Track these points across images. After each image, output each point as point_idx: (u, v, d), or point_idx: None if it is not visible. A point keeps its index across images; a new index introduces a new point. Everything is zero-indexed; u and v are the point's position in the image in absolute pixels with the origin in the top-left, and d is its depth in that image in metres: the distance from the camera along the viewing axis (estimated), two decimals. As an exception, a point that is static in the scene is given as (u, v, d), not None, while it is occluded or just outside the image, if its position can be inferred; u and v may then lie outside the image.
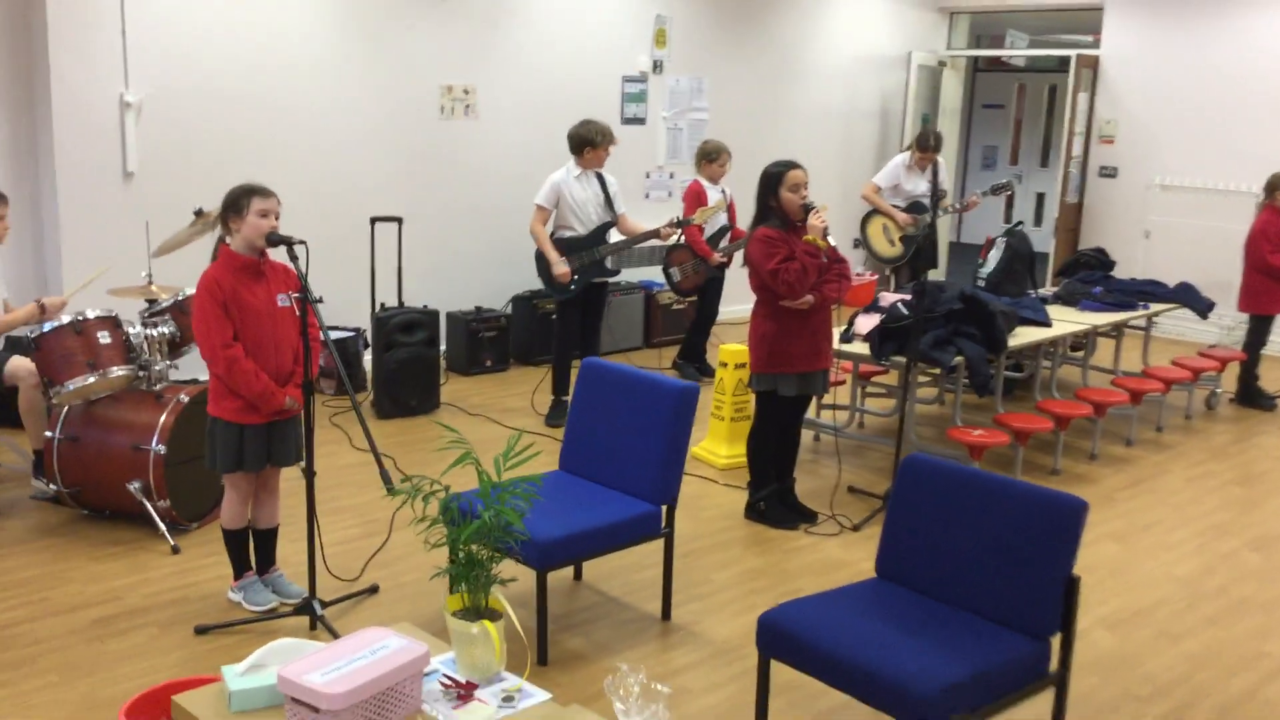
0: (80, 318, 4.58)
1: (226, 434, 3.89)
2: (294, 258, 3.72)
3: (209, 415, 3.93)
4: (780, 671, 3.24)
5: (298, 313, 3.83)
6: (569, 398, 6.02)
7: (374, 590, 4.26)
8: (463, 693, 2.58)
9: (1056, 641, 3.11)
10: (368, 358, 6.96)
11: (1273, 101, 9.32)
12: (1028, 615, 3.11)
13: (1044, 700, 3.18)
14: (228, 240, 3.88)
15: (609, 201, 6.45)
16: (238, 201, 3.80)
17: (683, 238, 7.00)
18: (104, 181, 6.27)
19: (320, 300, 3.82)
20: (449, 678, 2.62)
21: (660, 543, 4.12)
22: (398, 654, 2.49)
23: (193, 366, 6.16)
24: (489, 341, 7.65)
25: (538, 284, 8.05)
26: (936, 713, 2.79)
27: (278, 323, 3.88)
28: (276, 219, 3.81)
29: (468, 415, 6.64)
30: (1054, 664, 3.14)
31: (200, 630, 3.89)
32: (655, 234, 6.47)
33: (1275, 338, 8.15)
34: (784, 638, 3.13)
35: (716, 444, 5.92)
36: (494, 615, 2.66)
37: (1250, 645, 4.14)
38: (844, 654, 2.98)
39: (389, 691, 2.44)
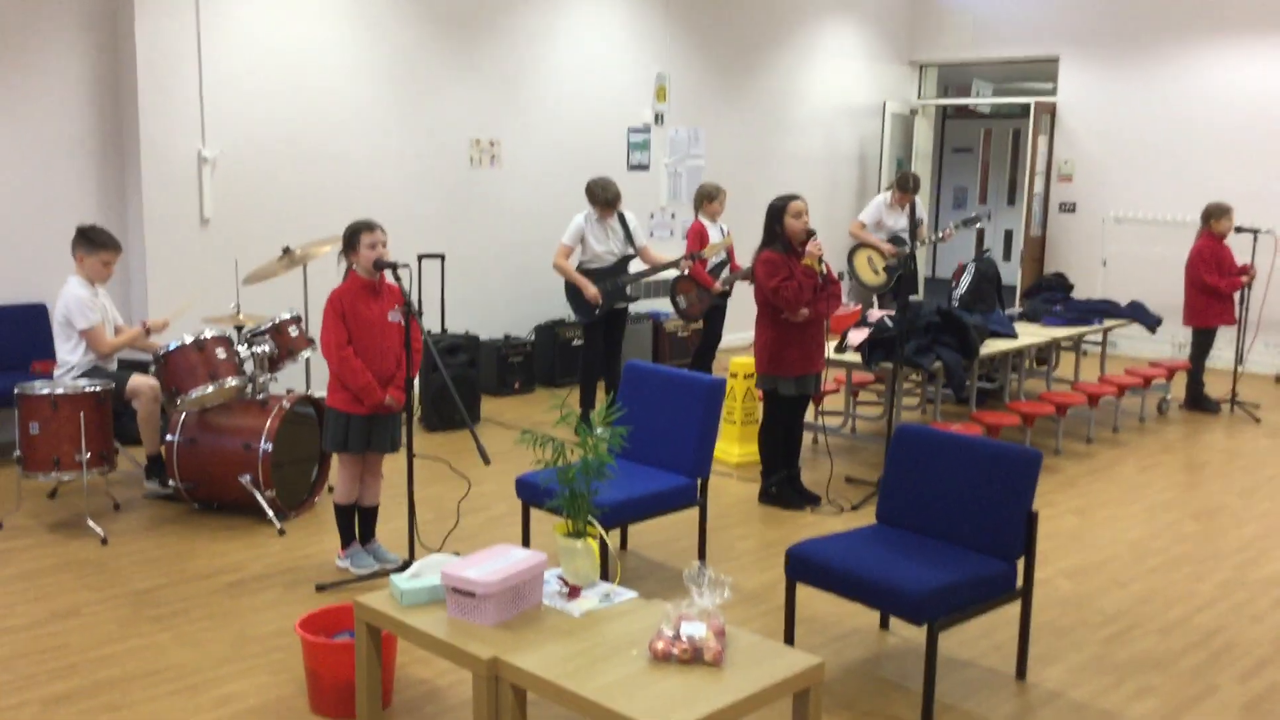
0: (202, 337, 5.40)
1: (336, 420, 4.72)
2: (397, 278, 4.58)
3: (326, 404, 4.77)
4: (801, 607, 4.06)
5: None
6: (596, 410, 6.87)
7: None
8: (570, 592, 3.41)
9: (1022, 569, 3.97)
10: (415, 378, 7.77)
11: (1212, 140, 10.37)
12: (998, 542, 3.95)
13: (1014, 622, 4.03)
14: (354, 266, 4.73)
15: (629, 237, 7.34)
16: (352, 237, 4.66)
17: (688, 270, 7.89)
18: (184, 228, 7.13)
19: (422, 313, 4.67)
20: (560, 579, 3.45)
21: (694, 513, 4.97)
22: (525, 559, 3.32)
23: (289, 379, 7.02)
24: (517, 366, 8.50)
25: (559, 314, 8.95)
26: (927, 609, 3.64)
27: (386, 333, 4.72)
28: (383, 247, 4.66)
29: (505, 429, 7.48)
30: (1020, 583, 4.00)
31: (320, 588, 4.70)
32: (675, 264, 7.37)
33: (1219, 351, 9.11)
34: (807, 563, 3.97)
35: (729, 444, 6.77)
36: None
37: (1184, 586, 5.01)
38: (854, 571, 3.82)
39: (521, 585, 3.27)
